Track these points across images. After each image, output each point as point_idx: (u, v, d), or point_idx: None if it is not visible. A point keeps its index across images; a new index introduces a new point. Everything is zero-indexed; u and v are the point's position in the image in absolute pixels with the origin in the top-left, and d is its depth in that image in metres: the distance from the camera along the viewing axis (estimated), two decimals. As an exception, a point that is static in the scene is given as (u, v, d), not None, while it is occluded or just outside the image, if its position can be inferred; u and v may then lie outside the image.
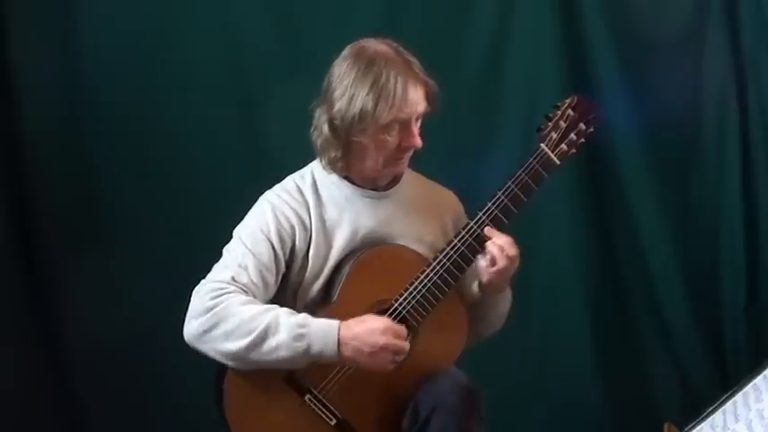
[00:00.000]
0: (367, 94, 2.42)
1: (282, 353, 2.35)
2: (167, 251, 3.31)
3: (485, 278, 2.50)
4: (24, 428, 3.25)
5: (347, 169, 2.55)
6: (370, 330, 2.38)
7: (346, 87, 2.45)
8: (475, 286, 2.61)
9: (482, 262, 2.47)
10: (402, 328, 2.42)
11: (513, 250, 2.46)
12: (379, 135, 2.46)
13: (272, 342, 2.35)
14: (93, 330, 3.31)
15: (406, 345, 2.41)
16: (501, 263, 2.45)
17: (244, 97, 3.43)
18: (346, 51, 2.50)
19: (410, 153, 2.53)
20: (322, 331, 2.37)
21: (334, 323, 2.38)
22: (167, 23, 3.35)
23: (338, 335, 2.37)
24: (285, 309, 2.40)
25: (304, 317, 2.38)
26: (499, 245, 2.45)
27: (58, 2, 3.31)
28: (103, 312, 3.31)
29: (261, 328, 2.35)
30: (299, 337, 2.35)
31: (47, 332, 3.32)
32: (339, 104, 2.45)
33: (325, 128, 2.49)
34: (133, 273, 3.33)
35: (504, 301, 2.63)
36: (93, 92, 3.34)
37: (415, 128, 2.49)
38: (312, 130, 2.54)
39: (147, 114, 3.36)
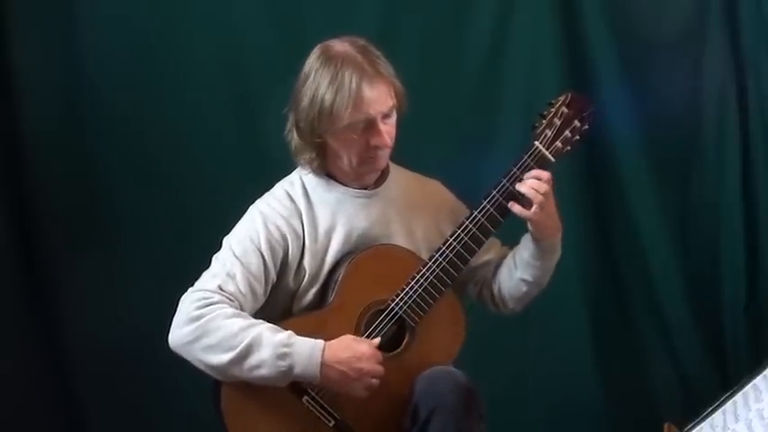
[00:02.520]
0: (324, 95, 2.43)
1: (264, 371, 2.35)
2: (167, 251, 3.32)
3: (532, 224, 2.49)
4: (24, 428, 3.25)
5: (324, 168, 2.55)
6: (357, 356, 2.38)
7: (308, 88, 2.46)
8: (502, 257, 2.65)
9: (516, 207, 2.47)
10: (379, 354, 2.41)
11: (543, 187, 2.46)
12: (344, 135, 2.46)
13: (253, 360, 2.35)
14: (93, 330, 3.31)
15: (382, 369, 2.41)
16: (537, 200, 2.45)
17: (244, 97, 3.43)
18: (314, 51, 2.51)
19: (385, 151, 2.52)
20: (306, 352, 2.36)
21: (319, 344, 2.38)
22: (168, 23, 3.36)
23: (322, 357, 2.36)
24: (269, 325, 2.39)
25: (288, 335, 2.37)
26: (529, 184, 2.46)
27: (58, 2, 3.31)
28: (103, 312, 3.31)
29: (244, 344, 2.34)
30: (283, 356, 2.35)
31: (47, 332, 3.32)
32: (302, 105, 2.47)
33: (294, 130, 2.51)
34: (133, 273, 3.34)
35: (557, 249, 2.61)
36: (94, 92, 3.34)
37: (384, 126, 2.47)
38: (286, 132, 2.55)
39: (148, 114, 3.37)
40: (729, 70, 3.56)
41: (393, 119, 2.50)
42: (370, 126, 2.46)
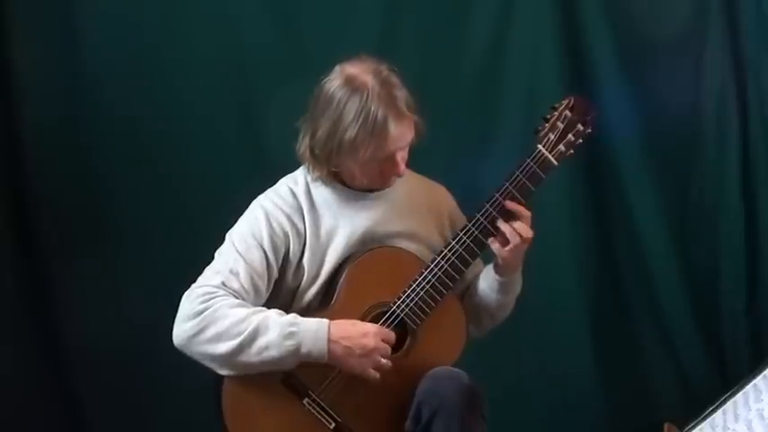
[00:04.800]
0: (347, 130, 2.40)
1: (272, 352, 2.35)
2: (167, 251, 3.31)
3: (499, 259, 2.49)
4: (23, 428, 3.25)
5: (336, 181, 2.55)
6: (362, 332, 2.39)
7: (328, 118, 2.43)
8: (477, 274, 2.62)
9: (495, 244, 2.46)
10: (391, 333, 2.43)
11: (526, 232, 2.45)
12: (361, 165, 2.46)
13: (261, 341, 2.35)
14: (92, 330, 3.31)
15: (387, 348, 2.42)
16: (513, 241, 2.45)
17: (244, 97, 3.43)
18: (335, 75, 2.47)
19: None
20: (312, 329, 2.37)
21: (324, 321, 2.39)
22: (167, 23, 3.35)
23: (328, 333, 2.37)
24: (275, 310, 2.41)
25: (294, 316, 2.39)
26: (513, 227, 2.45)
27: (58, 2, 3.30)
28: (103, 312, 3.31)
29: (251, 328, 2.35)
30: (290, 335, 2.36)
31: (46, 332, 3.32)
32: (320, 134, 2.44)
33: (307, 152, 2.49)
34: (133, 272, 3.34)
35: (517, 285, 2.61)
36: (93, 92, 3.34)
37: (401, 155, 2.47)
38: (298, 146, 2.53)
39: (148, 114, 3.37)
40: (729, 70, 3.56)
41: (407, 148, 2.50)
42: (389, 158, 2.46)
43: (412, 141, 2.49)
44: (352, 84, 2.43)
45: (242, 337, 2.35)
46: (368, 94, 2.40)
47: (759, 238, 3.59)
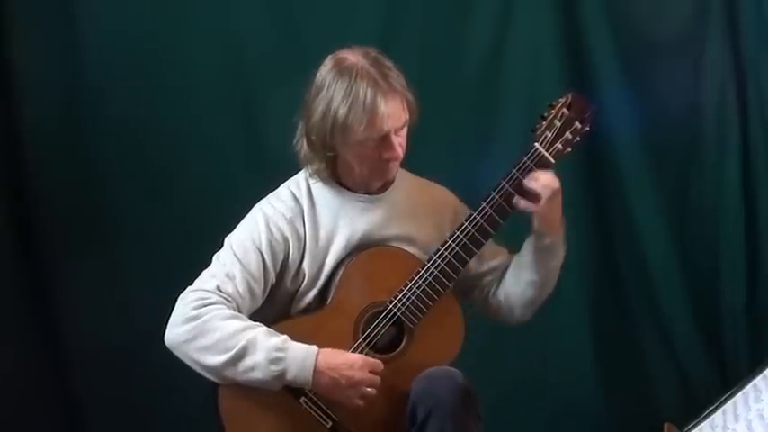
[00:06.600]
0: (337, 110, 2.40)
1: (257, 374, 2.35)
2: (167, 250, 3.32)
3: (535, 220, 2.47)
4: (24, 428, 3.26)
5: (334, 177, 2.54)
6: (349, 364, 2.39)
7: (320, 101, 2.43)
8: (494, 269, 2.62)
9: (522, 202, 2.44)
10: (378, 362, 2.42)
11: (555, 183, 2.44)
12: (357, 149, 2.45)
13: (248, 362, 2.35)
14: (92, 331, 3.32)
15: (378, 379, 2.41)
16: (545, 194, 2.43)
17: (244, 97, 3.43)
18: (326, 61, 2.47)
19: (396, 162, 2.51)
20: (299, 357, 2.37)
21: (313, 350, 2.38)
22: (168, 23, 3.36)
23: (315, 363, 2.37)
24: (265, 328, 2.39)
25: (284, 340, 2.38)
26: (542, 183, 2.43)
27: (58, 2, 3.31)
28: (103, 312, 3.32)
29: (239, 346, 2.35)
30: (276, 360, 2.35)
31: (46, 333, 3.32)
32: (314, 118, 2.44)
33: (304, 142, 2.49)
34: (133, 273, 3.35)
35: (561, 248, 2.57)
36: (94, 92, 3.35)
37: (397, 139, 2.45)
38: (295, 142, 2.53)
39: (148, 115, 3.37)
40: (729, 70, 3.55)
41: (405, 130, 2.48)
42: (384, 140, 2.44)
43: (407, 123, 2.47)
44: (341, 65, 2.44)
45: (229, 355, 2.35)
46: (356, 73, 2.40)
47: (759, 238, 3.58)
